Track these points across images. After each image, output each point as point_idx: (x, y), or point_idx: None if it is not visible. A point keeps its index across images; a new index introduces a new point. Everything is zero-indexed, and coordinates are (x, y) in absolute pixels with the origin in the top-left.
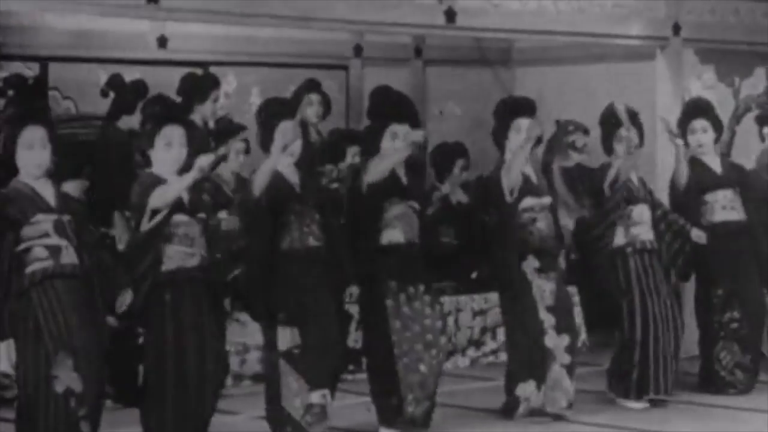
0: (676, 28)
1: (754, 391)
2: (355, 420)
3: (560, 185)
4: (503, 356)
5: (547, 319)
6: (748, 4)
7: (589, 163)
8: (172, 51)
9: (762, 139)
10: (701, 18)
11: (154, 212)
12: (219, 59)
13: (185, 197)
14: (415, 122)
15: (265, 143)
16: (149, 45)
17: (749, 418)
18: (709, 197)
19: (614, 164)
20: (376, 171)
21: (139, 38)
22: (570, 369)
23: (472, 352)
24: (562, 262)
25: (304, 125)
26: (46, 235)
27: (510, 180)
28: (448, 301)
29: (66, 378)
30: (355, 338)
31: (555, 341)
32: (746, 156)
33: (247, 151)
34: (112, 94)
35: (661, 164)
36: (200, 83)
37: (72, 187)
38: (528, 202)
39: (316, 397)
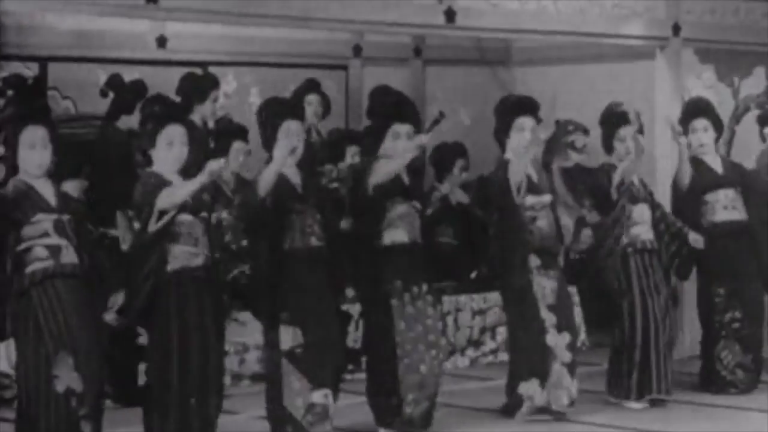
0: (676, 28)
1: (755, 391)
2: (355, 420)
3: (560, 185)
4: (503, 356)
5: (549, 318)
6: (748, 4)
7: (588, 163)
8: (171, 51)
9: (762, 139)
10: (701, 18)
11: (162, 213)
12: (218, 59)
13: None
14: (417, 122)
15: (269, 143)
16: (148, 45)
17: (750, 417)
18: (710, 197)
19: (619, 166)
20: (383, 173)
21: (139, 38)
22: (571, 367)
23: (471, 351)
24: (560, 261)
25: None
26: (46, 234)
27: (515, 179)
28: (447, 300)
29: (66, 377)
30: (354, 338)
31: (556, 340)
32: (746, 156)
33: (248, 152)
34: (111, 94)
35: (660, 164)
36: (200, 83)
37: (71, 187)
38: (529, 200)
39: (317, 396)
